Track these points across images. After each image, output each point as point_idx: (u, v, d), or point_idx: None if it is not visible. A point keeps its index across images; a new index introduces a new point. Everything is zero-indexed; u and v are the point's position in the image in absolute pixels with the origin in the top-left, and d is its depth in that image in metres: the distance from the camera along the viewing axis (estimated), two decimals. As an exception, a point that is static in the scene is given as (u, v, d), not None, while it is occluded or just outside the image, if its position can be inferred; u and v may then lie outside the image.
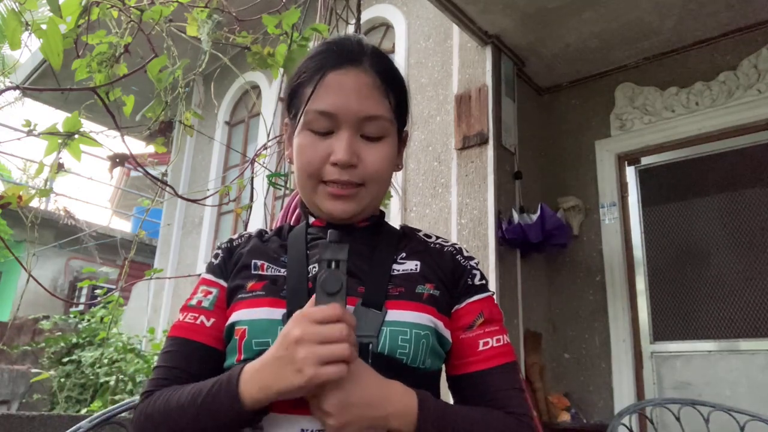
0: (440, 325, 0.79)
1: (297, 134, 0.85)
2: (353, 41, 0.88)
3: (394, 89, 0.87)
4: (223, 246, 0.90)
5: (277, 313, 0.75)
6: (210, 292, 0.84)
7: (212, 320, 0.81)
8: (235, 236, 0.92)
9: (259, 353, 0.71)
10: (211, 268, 0.87)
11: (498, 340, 0.81)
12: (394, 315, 0.75)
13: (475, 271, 0.87)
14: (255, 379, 0.68)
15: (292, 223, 0.99)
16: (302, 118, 0.83)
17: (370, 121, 0.82)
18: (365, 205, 0.84)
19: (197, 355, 0.80)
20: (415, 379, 0.75)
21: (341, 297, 0.68)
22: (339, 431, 0.66)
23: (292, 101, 0.89)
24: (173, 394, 0.73)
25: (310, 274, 0.80)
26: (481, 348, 0.80)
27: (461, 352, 0.81)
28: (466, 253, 0.90)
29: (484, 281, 0.87)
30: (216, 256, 0.89)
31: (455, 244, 0.91)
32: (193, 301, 0.84)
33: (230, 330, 0.78)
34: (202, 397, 0.70)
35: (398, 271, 0.82)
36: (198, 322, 0.81)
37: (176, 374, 0.78)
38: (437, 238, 0.92)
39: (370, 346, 0.72)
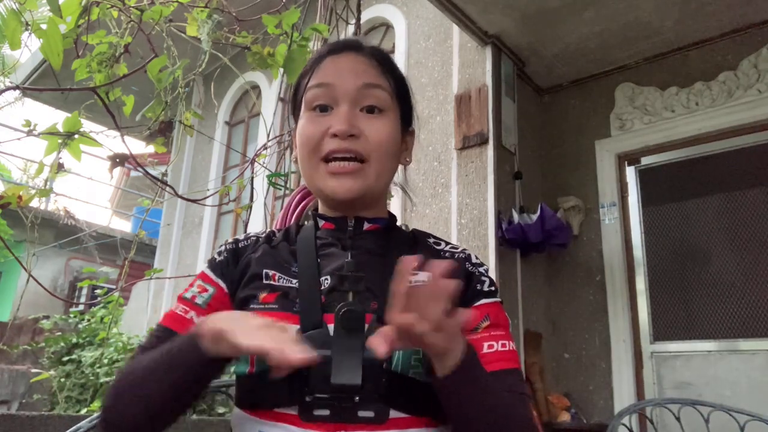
0: None
1: (299, 121, 0.86)
2: (353, 38, 0.92)
3: (393, 75, 0.88)
4: (228, 246, 0.88)
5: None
6: (206, 290, 0.83)
7: (200, 318, 0.80)
8: (241, 237, 0.90)
9: (271, 368, 0.71)
10: (212, 265, 0.86)
11: (503, 345, 0.80)
12: None
13: (484, 278, 0.86)
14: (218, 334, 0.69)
15: (292, 222, 0.98)
16: (303, 101, 0.85)
17: (368, 90, 0.83)
18: (369, 184, 0.82)
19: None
20: (427, 394, 0.74)
21: (360, 335, 0.70)
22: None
23: (294, 100, 0.90)
24: (141, 358, 0.74)
25: (323, 287, 0.78)
26: (485, 350, 0.79)
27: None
28: (475, 260, 0.88)
29: (492, 288, 0.85)
30: (219, 253, 0.87)
31: (465, 249, 0.90)
32: (188, 294, 0.83)
33: None
34: (169, 351, 0.71)
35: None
36: (188, 316, 0.81)
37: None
38: (447, 244, 0.91)
39: (384, 364, 0.72)
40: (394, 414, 0.72)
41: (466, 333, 0.79)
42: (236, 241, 0.89)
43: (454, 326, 0.63)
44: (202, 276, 0.85)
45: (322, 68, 0.86)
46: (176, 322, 0.81)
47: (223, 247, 0.89)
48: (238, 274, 0.84)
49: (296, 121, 0.90)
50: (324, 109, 0.83)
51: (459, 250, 0.89)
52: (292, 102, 0.92)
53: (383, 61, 0.88)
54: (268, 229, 0.93)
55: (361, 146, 0.80)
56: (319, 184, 0.82)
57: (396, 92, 0.87)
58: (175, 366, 0.70)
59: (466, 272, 0.85)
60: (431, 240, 0.91)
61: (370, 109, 0.83)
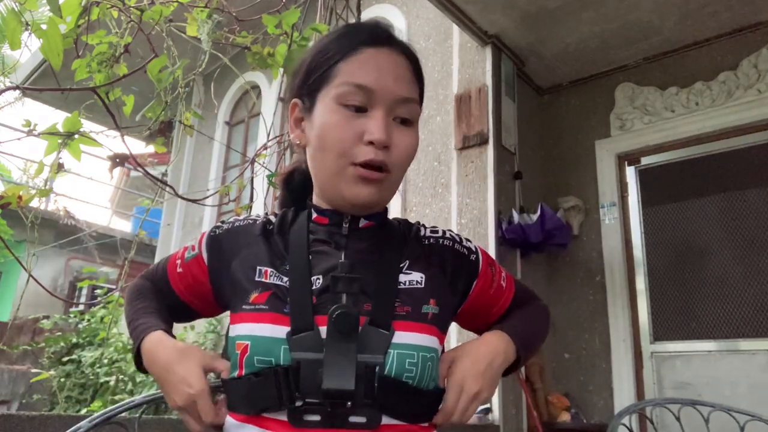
0: (439, 343, 0.79)
1: (322, 110, 0.80)
2: (383, 25, 0.87)
3: (421, 81, 0.87)
4: (227, 226, 0.89)
5: (280, 330, 0.73)
6: (194, 249, 0.89)
7: (180, 270, 0.89)
8: (242, 219, 0.89)
9: (261, 370, 0.72)
10: (209, 234, 0.89)
11: (503, 272, 0.95)
12: (401, 337, 0.73)
13: (470, 248, 0.91)
14: (147, 361, 0.79)
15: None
16: (333, 92, 0.79)
17: (405, 103, 0.80)
18: (388, 193, 0.82)
19: (166, 288, 0.91)
20: (419, 400, 0.74)
21: (353, 337, 0.71)
22: (489, 393, 0.79)
23: (310, 80, 0.83)
24: (132, 303, 0.88)
25: (314, 287, 0.77)
26: (503, 285, 0.93)
27: (495, 301, 0.92)
28: (457, 238, 0.91)
29: (473, 247, 0.92)
30: (220, 228, 0.89)
31: (445, 233, 0.90)
32: (188, 246, 0.91)
33: (232, 343, 0.76)
34: (129, 324, 0.85)
35: (404, 284, 0.79)
36: (177, 263, 0.90)
37: (152, 285, 0.92)
38: (426, 229, 0.91)
39: (377, 368, 0.71)
40: (386, 420, 0.71)
41: (490, 289, 0.90)
42: (235, 221, 0.90)
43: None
44: (200, 237, 0.89)
45: (361, 62, 0.79)
46: (171, 270, 0.90)
47: (224, 224, 0.89)
48: (227, 259, 0.84)
49: (300, 102, 0.85)
50: (358, 109, 0.78)
51: (440, 235, 0.90)
52: (303, 80, 0.85)
53: (416, 64, 0.86)
54: (264, 215, 0.91)
55: (390, 159, 0.78)
56: (342, 185, 0.78)
57: (421, 100, 0.87)
58: (132, 337, 0.83)
59: (458, 254, 0.89)
60: (417, 230, 0.91)
61: (402, 120, 0.81)
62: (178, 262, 0.90)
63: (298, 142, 0.87)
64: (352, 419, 0.70)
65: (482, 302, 0.91)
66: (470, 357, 0.79)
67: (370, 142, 0.76)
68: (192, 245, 0.90)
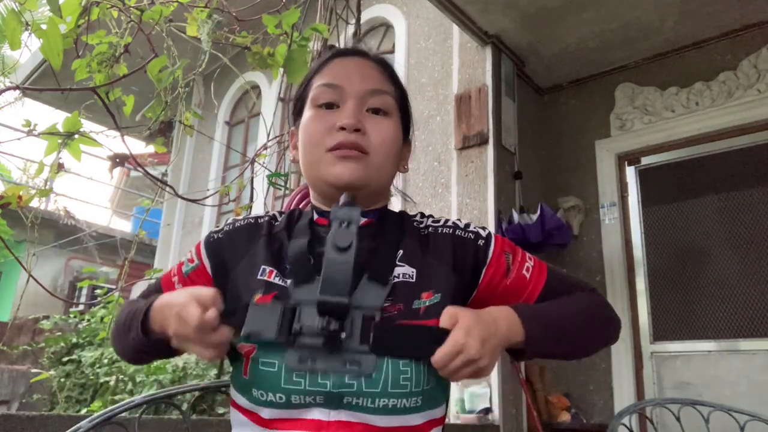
0: None
1: (303, 118, 0.87)
2: (360, 47, 0.95)
3: (397, 83, 0.92)
4: (227, 228, 0.88)
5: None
6: (192, 261, 0.87)
7: (180, 286, 0.86)
8: (242, 219, 0.89)
9: (265, 373, 0.71)
10: (207, 241, 0.88)
11: (530, 260, 0.88)
12: None
13: (478, 232, 0.87)
14: (156, 318, 0.76)
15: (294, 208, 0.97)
16: (309, 98, 0.87)
17: (374, 95, 0.86)
18: (371, 173, 0.83)
19: None
20: (417, 337, 0.73)
21: (351, 253, 0.68)
22: (489, 363, 0.71)
23: (297, 103, 0.92)
24: (128, 308, 0.84)
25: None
26: (527, 275, 0.86)
27: (516, 293, 0.85)
28: (461, 224, 0.89)
29: (486, 232, 0.88)
30: (218, 232, 0.88)
31: (447, 221, 0.89)
32: (184, 260, 0.89)
33: (233, 347, 0.76)
34: (133, 313, 0.80)
35: (397, 276, 0.79)
36: (174, 280, 0.88)
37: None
38: (428, 218, 0.91)
39: (375, 317, 0.72)
40: (384, 401, 0.71)
41: (506, 279, 0.84)
42: (234, 222, 0.89)
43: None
44: (197, 247, 0.88)
45: (330, 69, 0.88)
46: (166, 284, 0.88)
47: (223, 227, 0.89)
48: (230, 262, 0.84)
49: (297, 123, 0.91)
50: (330, 106, 0.85)
51: (441, 223, 0.89)
52: (296, 104, 0.93)
53: (389, 70, 0.91)
54: (271, 212, 0.92)
55: (365, 142, 0.82)
56: (323, 171, 0.82)
57: (399, 101, 0.90)
58: (132, 329, 0.79)
59: (459, 239, 0.86)
60: (418, 221, 0.91)
61: (375, 111, 0.85)
62: (175, 279, 0.87)
63: (292, 158, 0.93)
64: (349, 366, 0.70)
65: (500, 292, 0.85)
66: (477, 317, 0.73)
67: (342, 128, 0.82)
68: (188, 258, 0.87)
